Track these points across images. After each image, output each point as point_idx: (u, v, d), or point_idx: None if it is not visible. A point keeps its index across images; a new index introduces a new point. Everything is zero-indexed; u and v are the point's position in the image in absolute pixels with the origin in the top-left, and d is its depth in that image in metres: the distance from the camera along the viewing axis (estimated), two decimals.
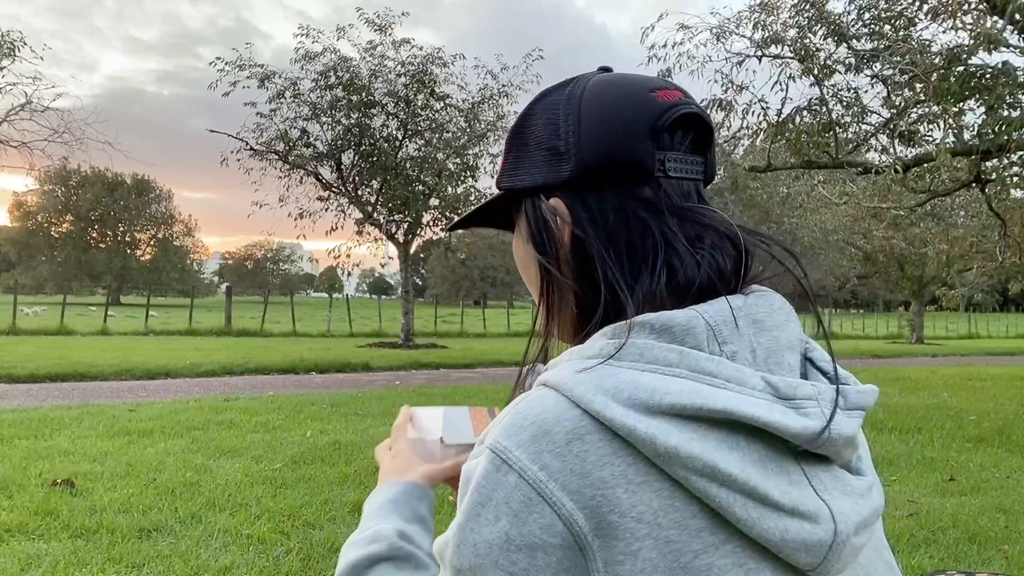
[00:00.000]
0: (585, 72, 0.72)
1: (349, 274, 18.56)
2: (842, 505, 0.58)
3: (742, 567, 0.55)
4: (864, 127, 9.24)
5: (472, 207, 0.82)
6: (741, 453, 0.55)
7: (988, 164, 9.15)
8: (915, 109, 8.60)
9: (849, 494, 0.59)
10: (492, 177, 15.78)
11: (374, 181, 15.42)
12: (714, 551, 0.54)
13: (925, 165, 9.06)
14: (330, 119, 14.87)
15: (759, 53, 8.71)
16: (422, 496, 0.85)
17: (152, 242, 63.33)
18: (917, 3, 8.10)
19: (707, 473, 0.53)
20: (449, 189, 15.63)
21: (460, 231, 19.37)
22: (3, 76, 16.43)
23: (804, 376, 0.63)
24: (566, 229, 0.67)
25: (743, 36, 8.80)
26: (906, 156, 8.99)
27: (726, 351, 0.59)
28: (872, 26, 8.32)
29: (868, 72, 8.43)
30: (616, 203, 0.66)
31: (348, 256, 16.58)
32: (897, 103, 8.45)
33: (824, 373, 0.64)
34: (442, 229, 15.74)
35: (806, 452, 0.58)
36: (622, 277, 0.64)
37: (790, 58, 8.69)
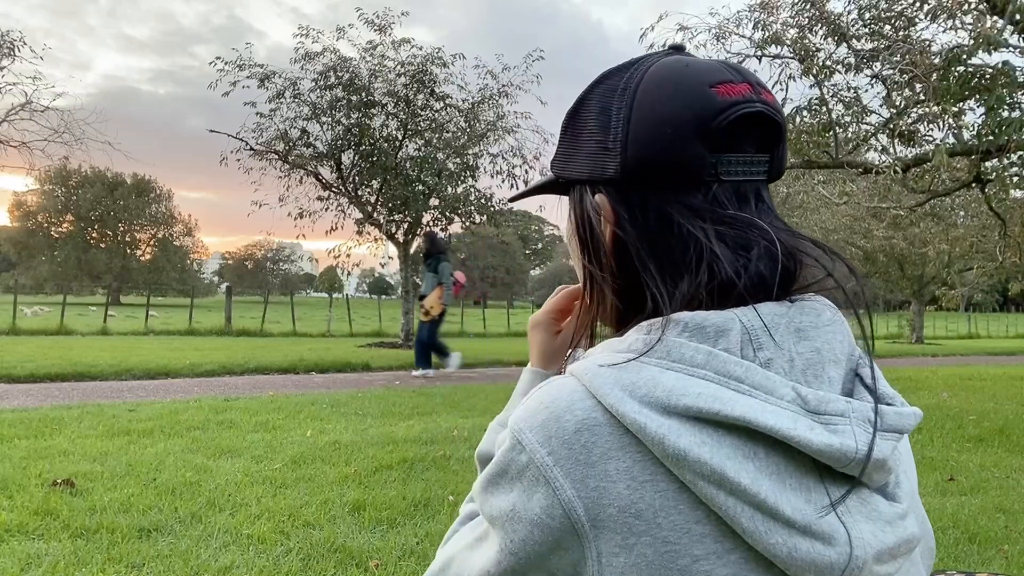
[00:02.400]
0: (650, 53, 0.69)
1: (349, 274, 18.61)
2: (863, 530, 0.55)
3: None
4: (864, 127, 9.24)
5: (529, 187, 0.81)
6: (757, 463, 0.53)
7: (988, 164, 9.15)
8: (915, 109, 8.59)
9: (875, 520, 0.56)
10: (492, 177, 15.83)
11: (374, 181, 15.41)
12: (715, 559, 0.53)
13: (925, 165, 9.06)
14: (330, 119, 14.86)
15: (759, 53, 8.71)
16: None
17: (152, 242, 63.32)
18: (917, 3, 8.09)
19: (715, 480, 0.52)
20: (449, 189, 15.62)
21: (460, 230, 19.44)
22: (3, 76, 16.42)
23: (850, 394, 0.61)
24: (608, 227, 0.66)
25: (743, 36, 8.81)
26: (906, 156, 8.99)
27: (760, 357, 0.57)
28: (872, 26, 8.32)
29: (868, 72, 8.43)
30: (659, 207, 0.64)
31: (348, 256, 16.59)
32: (897, 103, 8.45)
33: (872, 392, 0.61)
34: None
35: (834, 471, 0.56)
36: (661, 281, 0.63)
37: (790, 58, 8.69)
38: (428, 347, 10.43)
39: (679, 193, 0.63)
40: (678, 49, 0.70)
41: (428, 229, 10.80)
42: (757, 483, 0.52)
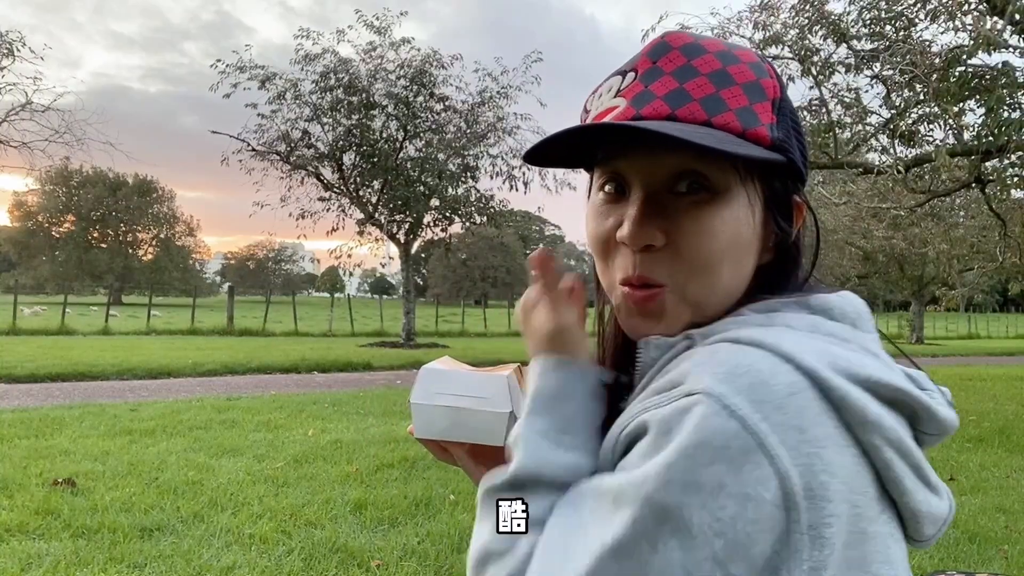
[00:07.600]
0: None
1: (351, 274, 18.58)
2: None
3: (892, 536, 0.58)
4: (864, 128, 9.24)
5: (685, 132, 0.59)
6: (905, 431, 0.58)
7: (988, 164, 9.15)
8: (915, 109, 8.60)
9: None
10: (491, 178, 15.80)
11: (375, 182, 15.44)
12: (877, 520, 0.57)
13: (925, 166, 9.06)
14: (331, 120, 14.88)
15: (759, 53, 8.71)
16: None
17: (154, 242, 63.29)
18: (917, 4, 8.09)
19: (895, 445, 0.56)
20: (449, 190, 15.64)
21: (460, 230, 19.38)
22: (3, 76, 16.40)
23: None
24: (800, 223, 0.70)
25: (743, 36, 8.81)
26: (906, 156, 8.99)
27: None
28: (872, 26, 8.32)
29: (868, 72, 8.44)
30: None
31: (349, 256, 16.62)
32: (897, 103, 8.45)
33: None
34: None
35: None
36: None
37: (790, 58, 8.69)
38: None
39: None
40: None
41: None
42: (916, 448, 0.58)
